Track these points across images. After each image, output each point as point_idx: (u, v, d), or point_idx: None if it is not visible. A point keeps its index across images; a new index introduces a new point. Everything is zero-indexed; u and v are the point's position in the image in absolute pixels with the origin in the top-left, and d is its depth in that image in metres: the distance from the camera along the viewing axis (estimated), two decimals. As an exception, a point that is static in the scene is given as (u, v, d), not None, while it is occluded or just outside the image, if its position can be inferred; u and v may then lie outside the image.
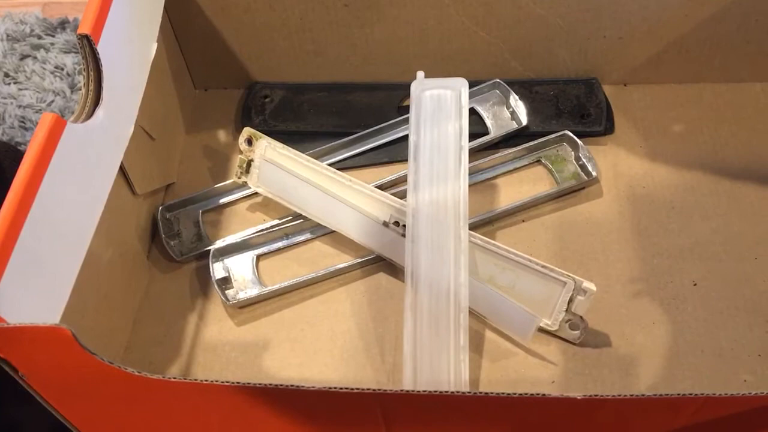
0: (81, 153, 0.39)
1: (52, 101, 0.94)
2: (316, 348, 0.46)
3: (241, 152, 0.51)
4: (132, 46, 0.46)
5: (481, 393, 0.35)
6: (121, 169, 0.44)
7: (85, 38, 0.40)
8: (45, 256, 0.36)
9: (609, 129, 0.54)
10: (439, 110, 0.48)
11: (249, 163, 0.51)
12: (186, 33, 0.55)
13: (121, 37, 0.43)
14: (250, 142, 0.51)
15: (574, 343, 0.45)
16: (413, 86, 0.49)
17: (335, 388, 0.34)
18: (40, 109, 0.89)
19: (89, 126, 0.40)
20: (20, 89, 0.94)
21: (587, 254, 0.49)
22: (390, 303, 0.48)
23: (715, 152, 0.53)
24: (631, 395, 0.33)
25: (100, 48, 0.41)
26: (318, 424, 0.40)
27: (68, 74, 0.99)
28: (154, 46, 0.48)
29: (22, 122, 0.91)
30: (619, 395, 0.33)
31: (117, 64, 0.42)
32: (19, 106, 0.90)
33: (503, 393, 0.34)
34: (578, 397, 0.33)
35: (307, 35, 0.55)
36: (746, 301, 0.46)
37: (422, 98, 0.49)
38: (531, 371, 0.45)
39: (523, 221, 0.51)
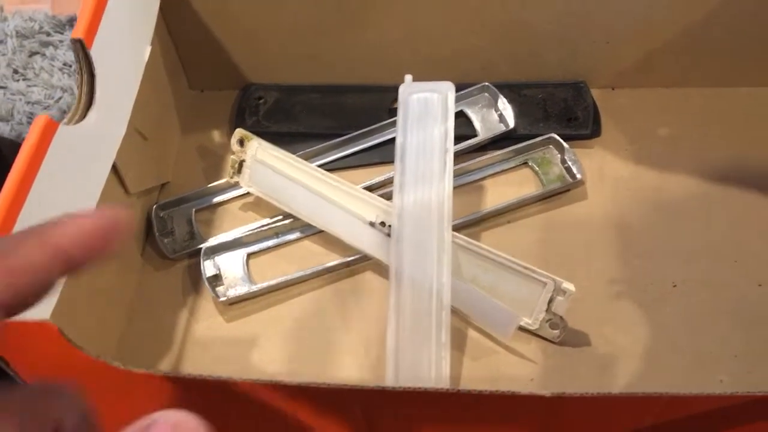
0: (73, 154, 0.40)
1: (60, 98, 0.96)
2: (304, 344, 0.47)
3: (233, 153, 0.52)
4: (125, 50, 0.47)
5: (453, 390, 0.36)
6: (114, 168, 0.45)
7: (78, 42, 0.42)
8: (37, 253, 0.37)
9: (596, 132, 0.55)
10: (426, 113, 0.49)
11: (241, 163, 0.52)
12: (182, 35, 0.56)
13: (115, 41, 0.45)
14: (242, 143, 0.52)
15: (554, 342, 0.46)
16: (401, 89, 0.50)
17: (314, 383, 0.35)
18: (48, 106, 0.91)
19: (81, 128, 0.41)
20: (29, 86, 0.96)
21: (571, 255, 0.50)
22: (376, 301, 0.49)
23: (700, 156, 0.54)
24: (597, 393, 0.34)
25: (93, 52, 0.42)
26: (300, 419, 0.41)
27: (76, 71, 1.00)
28: (148, 49, 0.49)
29: (30, 119, 0.92)
30: (585, 393, 0.34)
31: (110, 67, 0.43)
32: (28, 103, 0.92)
33: (475, 390, 0.35)
34: (546, 395, 0.34)
35: (301, 38, 0.56)
36: (726, 303, 0.47)
37: (409, 101, 0.50)
38: (511, 369, 0.46)
39: (509, 222, 0.52)
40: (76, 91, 0.42)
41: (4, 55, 1.02)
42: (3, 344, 0.35)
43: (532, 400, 0.35)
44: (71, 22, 1.03)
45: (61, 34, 0.99)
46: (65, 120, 0.41)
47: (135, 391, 0.39)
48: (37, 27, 1.01)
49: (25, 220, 0.36)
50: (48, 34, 0.98)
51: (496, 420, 0.40)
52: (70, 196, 0.40)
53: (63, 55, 0.95)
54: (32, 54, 1.01)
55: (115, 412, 0.42)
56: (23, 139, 0.97)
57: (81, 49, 0.42)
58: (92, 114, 0.42)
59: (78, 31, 0.42)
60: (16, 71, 1.00)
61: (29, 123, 0.93)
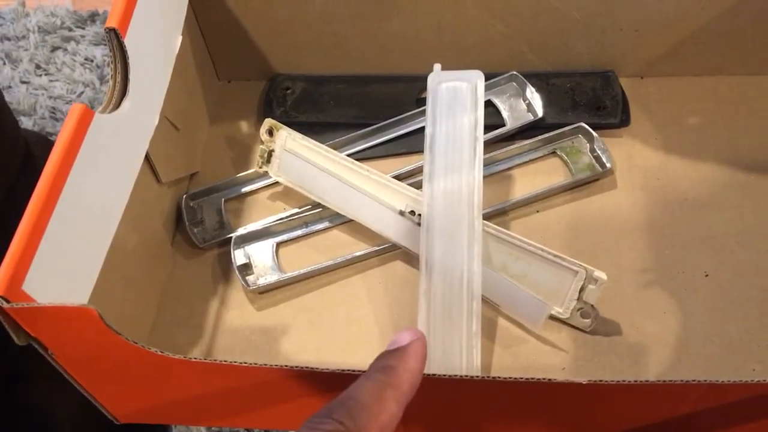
0: (108, 142, 0.40)
1: (82, 92, 0.96)
2: (333, 333, 0.48)
3: (262, 142, 0.52)
4: (157, 39, 0.47)
5: (488, 377, 0.36)
6: (147, 158, 0.46)
7: (112, 31, 0.42)
8: (73, 241, 0.38)
9: (625, 121, 0.55)
10: (455, 102, 0.49)
11: (270, 153, 0.52)
12: (210, 26, 0.57)
13: (147, 31, 0.45)
14: (271, 132, 0.52)
15: (585, 331, 0.46)
16: (430, 78, 0.50)
17: (349, 370, 0.35)
18: (70, 100, 0.92)
19: (116, 116, 0.41)
20: (51, 81, 0.97)
21: (600, 244, 0.50)
22: (405, 290, 0.49)
23: (730, 145, 0.54)
24: (634, 381, 0.34)
25: (127, 41, 0.42)
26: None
27: (97, 66, 1.01)
28: (179, 38, 0.50)
29: (53, 113, 0.93)
30: (622, 381, 0.34)
31: (143, 56, 0.44)
32: (50, 97, 0.92)
33: (510, 377, 0.35)
34: (583, 382, 0.34)
35: (328, 28, 0.56)
36: (758, 292, 0.47)
37: (438, 90, 0.50)
38: (542, 358, 0.46)
39: (538, 211, 0.52)
40: (110, 81, 0.42)
41: (26, 50, 1.02)
42: (42, 328, 0.35)
43: (568, 387, 0.35)
44: (92, 17, 1.03)
45: (83, 29, 0.99)
46: (100, 108, 0.41)
47: (169, 377, 0.39)
48: (58, 22, 1.02)
49: (63, 207, 0.36)
50: (70, 30, 0.99)
51: (530, 409, 0.40)
52: (105, 184, 0.41)
53: (84, 50, 0.96)
54: (54, 49, 1.02)
55: (149, 396, 0.42)
56: (46, 134, 0.97)
57: (115, 38, 0.42)
58: (126, 103, 0.42)
59: (112, 21, 0.42)
60: (38, 66, 1.01)
61: (52, 117, 0.94)
